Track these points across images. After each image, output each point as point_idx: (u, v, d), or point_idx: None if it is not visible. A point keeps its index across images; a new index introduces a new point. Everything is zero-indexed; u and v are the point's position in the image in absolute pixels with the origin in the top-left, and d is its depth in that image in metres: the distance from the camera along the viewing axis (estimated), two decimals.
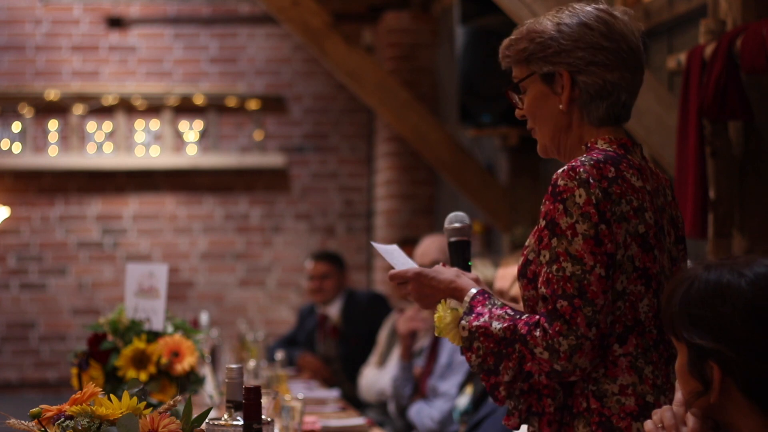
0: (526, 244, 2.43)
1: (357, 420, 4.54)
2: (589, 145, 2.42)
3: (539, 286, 2.32)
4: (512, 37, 2.49)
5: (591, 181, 2.29)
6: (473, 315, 2.36)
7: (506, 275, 3.86)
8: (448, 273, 2.47)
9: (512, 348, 2.30)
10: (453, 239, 2.58)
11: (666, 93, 4.30)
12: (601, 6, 2.46)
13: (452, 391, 4.84)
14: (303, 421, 3.79)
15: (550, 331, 2.25)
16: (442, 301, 2.44)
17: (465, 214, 2.60)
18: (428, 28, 8.20)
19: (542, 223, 2.32)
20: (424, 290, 2.48)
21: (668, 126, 4.14)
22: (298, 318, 7.08)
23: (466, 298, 2.41)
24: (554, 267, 2.28)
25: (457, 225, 2.57)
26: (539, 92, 2.46)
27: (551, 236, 2.29)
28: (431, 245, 5.33)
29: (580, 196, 2.28)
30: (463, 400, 4.50)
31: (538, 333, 2.27)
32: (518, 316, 2.33)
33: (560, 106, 2.43)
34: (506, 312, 2.35)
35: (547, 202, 2.31)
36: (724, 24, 3.81)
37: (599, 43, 2.41)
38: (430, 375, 5.11)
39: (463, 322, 2.37)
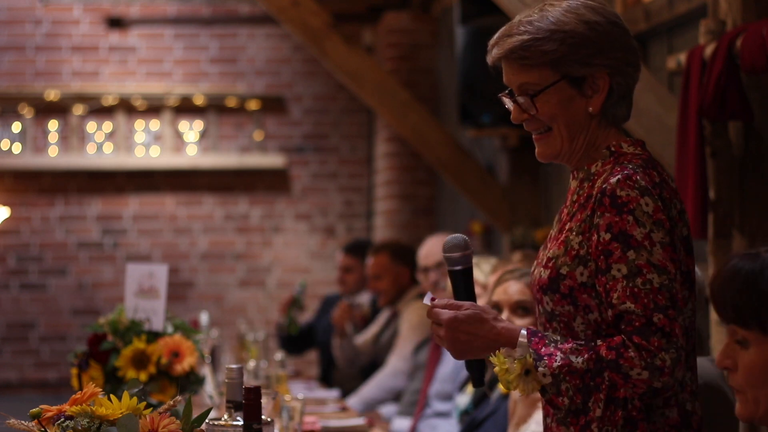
0: (550, 255, 2.28)
1: (357, 420, 4.54)
2: (612, 148, 2.30)
3: (619, 301, 2.15)
4: (524, 37, 2.27)
5: (650, 188, 2.18)
6: (545, 358, 2.16)
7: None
8: (483, 317, 2.23)
9: (600, 378, 2.14)
10: (456, 268, 2.31)
11: (666, 93, 4.30)
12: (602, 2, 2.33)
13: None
14: (303, 421, 3.79)
15: (651, 348, 2.11)
16: (497, 352, 2.20)
17: (464, 236, 2.33)
18: (428, 28, 8.20)
19: (606, 236, 2.17)
20: (458, 336, 2.23)
21: (668, 126, 4.13)
22: (321, 306, 7.01)
23: (523, 341, 2.18)
24: (638, 280, 2.14)
25: (457, 254, 2.31)
26: (565, 96, 2.28)
27: (626, 249, 2.15)
28: (436, 245, 5.26)
29: (647, 204, 2.17)
30: (464, 399, 4.49)
31: (632, 354, 2.12)
32: (593, 344, 2.16)
33: (590, 109, 2.29)
34: (576, 344, 2.17)
35: (608, 215, 2.17)
36: (724, 24, 3.80)
37: (629, 42, 2.30)
38: (431, 382, 5.06)
39: (540, 369, 2.15)
